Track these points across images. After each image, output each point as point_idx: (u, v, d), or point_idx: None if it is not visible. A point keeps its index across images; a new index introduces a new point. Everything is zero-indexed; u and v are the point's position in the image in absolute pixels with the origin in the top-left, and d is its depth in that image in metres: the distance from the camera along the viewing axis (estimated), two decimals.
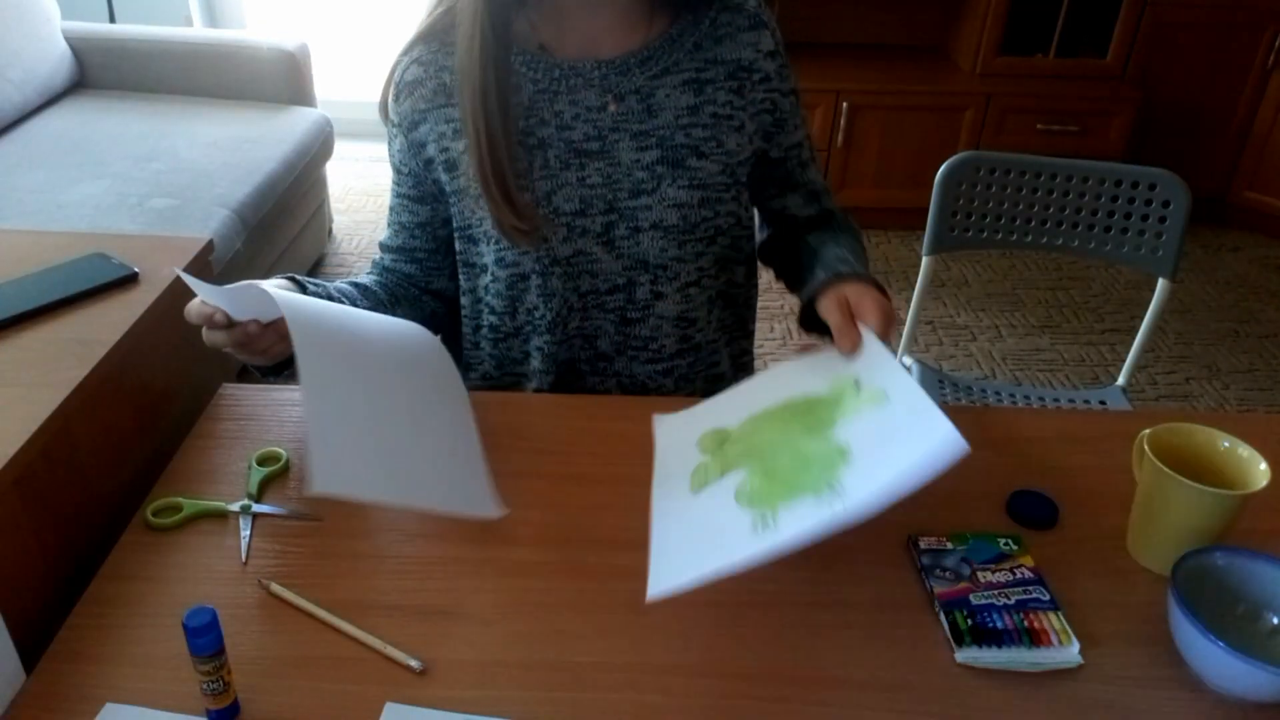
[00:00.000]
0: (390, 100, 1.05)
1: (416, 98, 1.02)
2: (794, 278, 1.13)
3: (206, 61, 2.74)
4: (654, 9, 1.02)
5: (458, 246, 1.09)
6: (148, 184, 2.20)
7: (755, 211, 1.16)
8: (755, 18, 1.04)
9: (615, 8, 0.99)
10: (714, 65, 1.02)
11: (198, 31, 3.25)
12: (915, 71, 3.18)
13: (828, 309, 0.90)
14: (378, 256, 1.16)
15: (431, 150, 1.03)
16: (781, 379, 0.92)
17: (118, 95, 2.73)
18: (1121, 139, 3.09)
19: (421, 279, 1.14)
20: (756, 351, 1.53)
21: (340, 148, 2.88)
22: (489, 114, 0.95)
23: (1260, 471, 0.82)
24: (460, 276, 1.11)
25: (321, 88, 2.88)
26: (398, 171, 1.08)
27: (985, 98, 3.04)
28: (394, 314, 1.03)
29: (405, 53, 1.03)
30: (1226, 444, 0.85)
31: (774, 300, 2.70)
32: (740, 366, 1.21)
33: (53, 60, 2.65)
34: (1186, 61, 3.13)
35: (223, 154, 2.38)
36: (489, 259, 1.06)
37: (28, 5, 2.61)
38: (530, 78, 1.00)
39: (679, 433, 0.93)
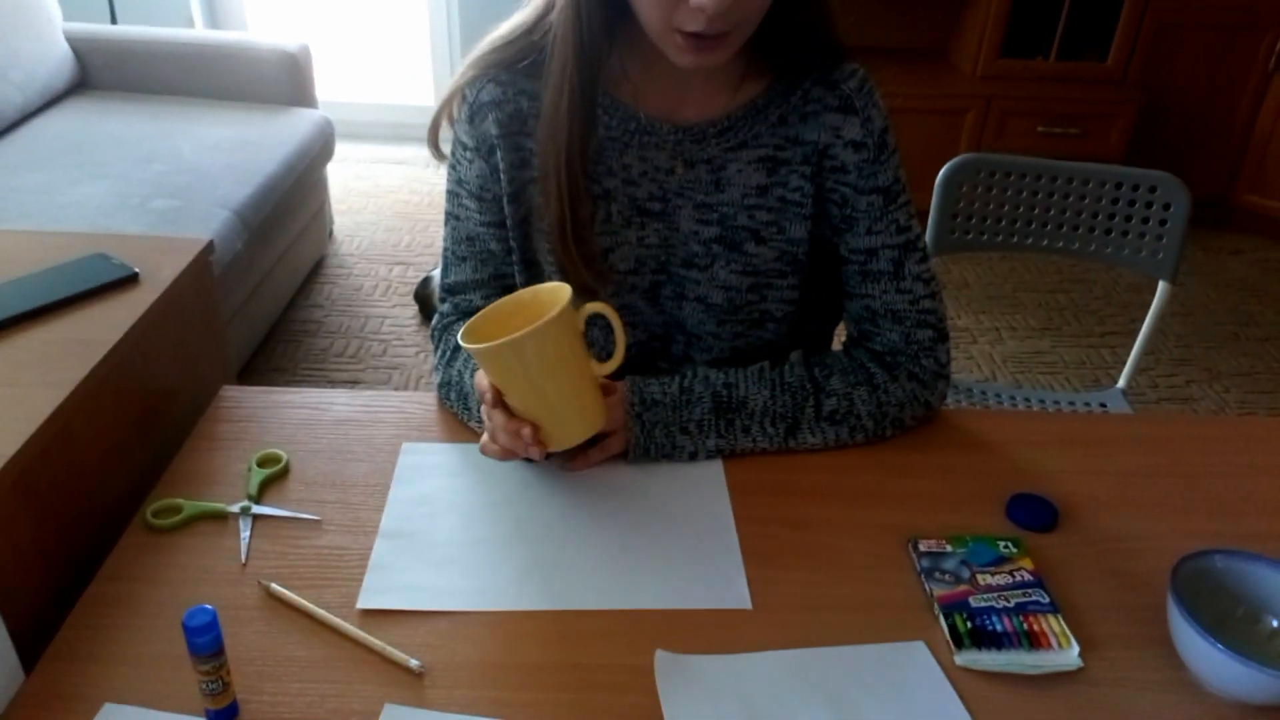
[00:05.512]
0: (464, 121, 0.97)
1: (491, 121, 0.95)
2: None
3: (208, 62, 2.74)
4: (747, 73, 0.95)
5: (519, 280, 1.03)
6: (149, 185, 2.20)
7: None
8: (847, 101, 0.95)
9: (707, 71, 0.91)
10: (793, 145, 0.96)
11: (199, 33, 3.26)
12: (916, 74, 3.17)
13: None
14: (454, 303, 1.05)
15: (504, 179, 0.98)
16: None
17: (119, 96, 2.73)
18: (1122, 141, 3.09)
19: None
20: None
21: (341, 149, 2.88)
22: (571, 167, 0.90)
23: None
24: None
25: (323, 89, 2.88)
26: (478, 199, 0.99)
27: (986, 100, 3.04)
28: None
29: (480, 76, 0.96)
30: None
31: None
32: None
33: (54, 61, 2.65)
34: (1187, 64, 3.13)
35: (224, 155, 2.37)
36: None
37: (29, 6, 2.61)
38: (604, 121, 0.95)
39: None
